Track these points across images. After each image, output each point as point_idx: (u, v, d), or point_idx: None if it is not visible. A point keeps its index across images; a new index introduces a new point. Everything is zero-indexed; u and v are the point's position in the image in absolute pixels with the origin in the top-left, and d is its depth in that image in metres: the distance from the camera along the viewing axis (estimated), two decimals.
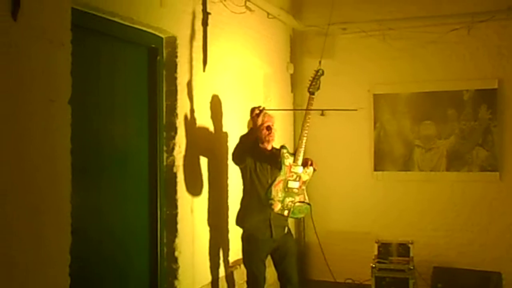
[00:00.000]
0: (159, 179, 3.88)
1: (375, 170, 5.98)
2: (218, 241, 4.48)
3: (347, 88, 6.03)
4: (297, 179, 3.99)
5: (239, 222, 4.22)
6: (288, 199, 3.95)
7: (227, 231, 4.61)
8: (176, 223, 3.92)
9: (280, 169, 3.95)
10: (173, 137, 3.95)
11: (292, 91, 6.24)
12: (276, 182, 3.93)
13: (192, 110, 4.14)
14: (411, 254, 5.33)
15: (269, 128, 4.18)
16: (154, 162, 3.87)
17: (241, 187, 4.21)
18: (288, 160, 3.98)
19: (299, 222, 6.06)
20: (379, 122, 5.96)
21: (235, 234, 4.49)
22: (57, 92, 2.81)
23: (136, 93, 3.79)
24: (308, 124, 4.10)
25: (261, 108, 4.04)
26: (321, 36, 5.98)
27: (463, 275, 5.22)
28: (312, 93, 4.26)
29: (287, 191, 3.95)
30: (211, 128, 4.43)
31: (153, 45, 3.86)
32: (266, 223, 4.08)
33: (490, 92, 5.58)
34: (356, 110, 4.97)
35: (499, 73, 5.58)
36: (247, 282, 4.22)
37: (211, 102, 4.43)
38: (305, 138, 4.03)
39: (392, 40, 5.84)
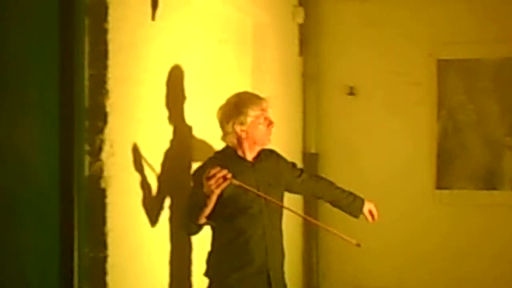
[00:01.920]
0: (76, 201, 3.79)
1: (438, 187, 6.06)
2: None
3: (395, 50, 6.13)
4: None
5: (211, 272, 4.32)
6: None
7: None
8: (104, 273, 3.86)
9: None
10: (101, 130, 3.87)
11: (300, 54, 6.30)
12: None
13: (133, 85, 4.11)
14: None
15: (268, 120, 4.34)
16: (69, 173, 3.79)
17: None
18: None
19: (310, 273, 6.24)
20: (446, 107, 5.99)
21: None
22: None
23: (38, 56, 3.72)
24: None
25: (216, 172, 3.95)
26: None
27: None
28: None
29: None
30: (165, 114, 4.44)
31: None
32: (262, 277, 4.27)
33: None
34: (359, 245, 4.69)
35: None
36: None
37: (169, 74, 4.44)
38: None
39: None
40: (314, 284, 6.22)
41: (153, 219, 4.27)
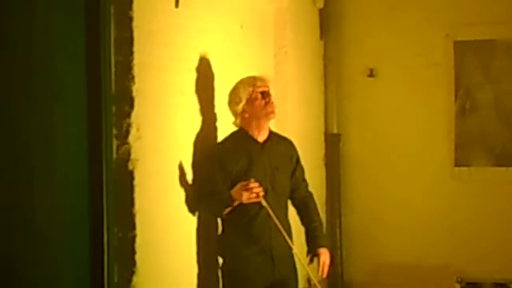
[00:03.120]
0: (105, 183, 3.81)
1: (457, 165, 6.00)
2: (207, 279, 4.51)
3: (413, 33, 6.10)
4: None
5: (223, 252, 4.46)
6: None
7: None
8: (133, 251, 3.88)
9: None
10: (128, 114, 3.88)
11: (321, 38, 6.27)
12: None
13: (158, 71, 4.10)
14: None
15: (266, 94, 4.41)
16: (97, 156, 3.80)
17: None
18: None
19: (334, 250, 6.11)
20: (463, 87, 5.94)
21: None
22: None
23: (66, 44, 3.71)
24: None
25: (254, 187, 4.20)
26: None
27: None
28: None
29: None
30: (190, 98, 4.44)
31: None
32: (266, 255, 4.37)
33: None
34: None
35: None
36: None
37: (193, 59, 4.43)
38: None
39: None
40: (338, 261, 6.20)
41: (178, 198, 4.29)
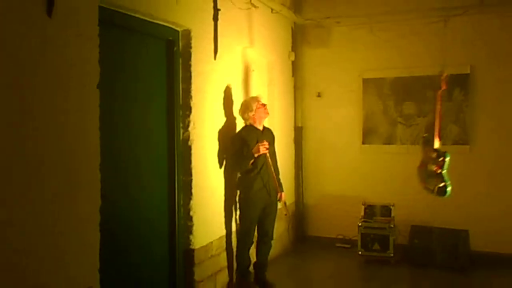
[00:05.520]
0: (176, 151, 3.89)
1: (363, 143, 5.93)
2: (229, 203, 4.48)
3: (341, 73, 5.98)
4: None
5: (242, 188, 4.35)
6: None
7: (235, 194, 4.58)
8: (191, 188, 3.93)
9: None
10: (188, 116, 3.94)
11: (293, 76, 6.17)
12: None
13: (204, 93, 4.11)
14: (392, 215, 5.37)
15: (264, 105, 4.37)
16: (172, 137, 3.88)
17: None
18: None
19: (299, 187, 6.11)
20: (367, 103, 5.89)
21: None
22: (87, 78, 2.83)
23: (156, 78, 3.78)
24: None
25: (265, 145, 4.22)
26: (318, 28, 5.99)
27: (437, 232, 5.21)
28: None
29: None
30: (220, 108, 4.40)
31: (170, 38, 3.82)
32: (264, 188, 4.31)
33: (463, 77, 5.49)
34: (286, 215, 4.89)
35: (471, 60, 5.48)
36: (241, 234, 4.39)
37: (222, 88, 4.40)
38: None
39: (379, 31, 5.76)
40: (301, 192, 6.11)
41: (211, 160, 4.25)
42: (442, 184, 4.30)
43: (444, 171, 4.33)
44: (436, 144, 4.37)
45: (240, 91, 4.79)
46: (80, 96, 2.79)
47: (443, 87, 4.45)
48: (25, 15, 2.47)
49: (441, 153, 4.34)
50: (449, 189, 4.32)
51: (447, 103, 5.54)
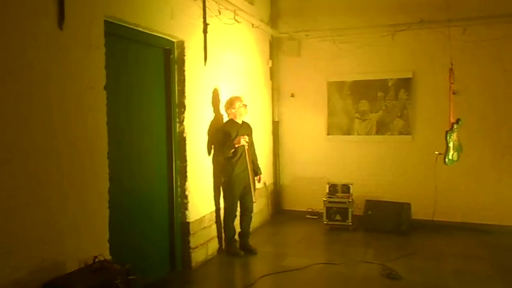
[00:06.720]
0: (173, 141, 3.82)
1: (328, 134, 5.88)
2: (217, 184, 4.40)
3: (310, 77, 5.92)
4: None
5: (226, 173, 4.24)
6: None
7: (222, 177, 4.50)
8: (186, 171, 3.88)
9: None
10: (183, 112, 3.87)
11: (271, 79, 6.08)
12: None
13: (196, 93, 4.03)
14: (351, 191, 5.36)
15: (245, 105, 4.29)
16: (170, 130, 3.81)
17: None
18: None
19: (276, 170, 6.06)
20: (331, 101, 5.83)
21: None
22: (95, 81, 2.76)
23: (156, 81, 3.70)
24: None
25: (244, 138, 4.12)
26: (291, 40, 5.92)
27: (386, 205, 5.24)
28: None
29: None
30: (209, 107, 4.30)
31: (167, 47, 3.74)
32: (244, 172, 4.23)
33: (406, 80, 5.47)
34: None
35: (413, 67, 5.46)
36: (227, 209, 4.30)
37: (212, 92, 4.30)
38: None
39: (340, 43, 5.69)
40: (277, 174, 6.03)
41: (203, 149, 4.18)
42: (439, 153, 4.12)
43: (450, 144, 4.14)
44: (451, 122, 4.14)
45: (226, 91, 4.65)
46: (89, 96, 2.71)
47: (452, 81, 4.15)
48: (39, 28, 2.40)
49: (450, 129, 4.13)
50: (447, 160, 4.13)
51: (394, 101, 5.56)
